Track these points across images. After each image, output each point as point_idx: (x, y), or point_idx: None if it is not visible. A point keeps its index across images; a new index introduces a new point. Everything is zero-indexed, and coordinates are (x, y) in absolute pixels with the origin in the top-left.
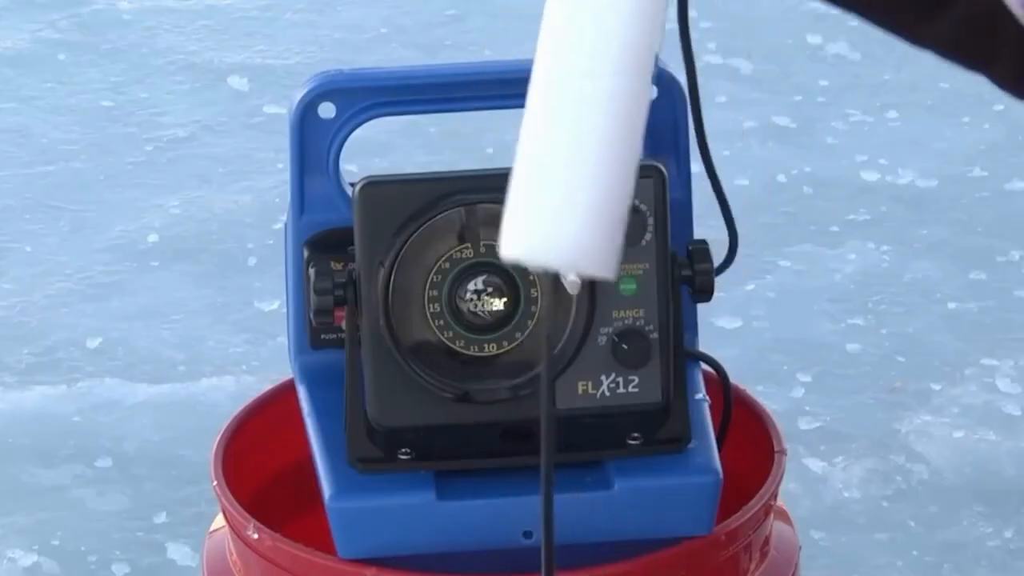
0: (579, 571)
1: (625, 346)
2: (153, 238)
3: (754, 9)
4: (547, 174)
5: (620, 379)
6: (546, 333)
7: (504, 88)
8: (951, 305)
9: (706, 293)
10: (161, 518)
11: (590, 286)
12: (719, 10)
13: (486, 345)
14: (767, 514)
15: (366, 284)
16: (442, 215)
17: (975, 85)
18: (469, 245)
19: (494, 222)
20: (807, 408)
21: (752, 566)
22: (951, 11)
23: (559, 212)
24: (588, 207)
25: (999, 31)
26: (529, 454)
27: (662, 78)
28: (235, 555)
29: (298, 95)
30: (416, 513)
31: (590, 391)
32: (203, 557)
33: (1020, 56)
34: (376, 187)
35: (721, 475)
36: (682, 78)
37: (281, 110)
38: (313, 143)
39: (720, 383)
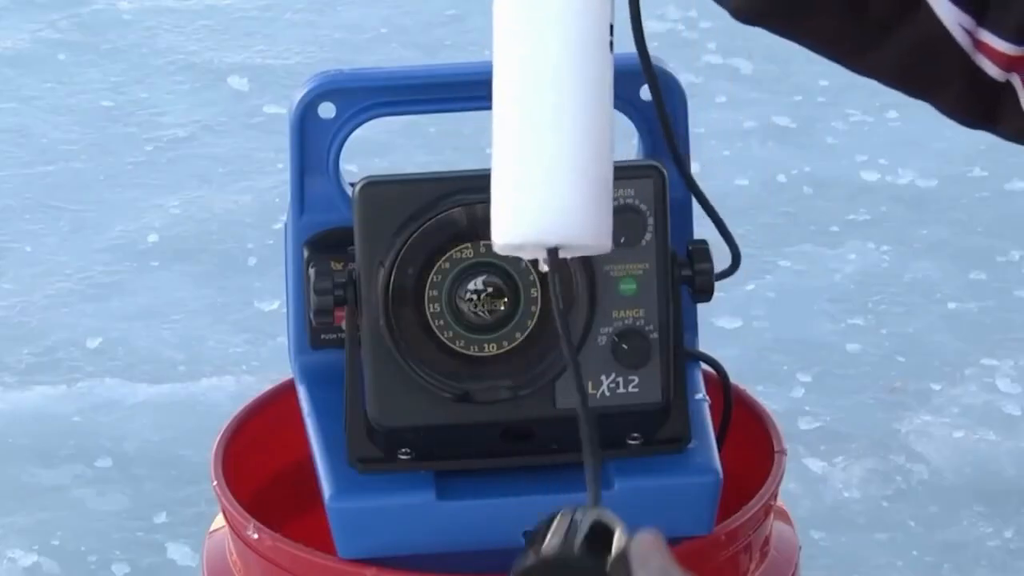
0: None
1: (625, 346)
2: (153, 238)
3: None
4: (523, 157)
5: (620, 379)
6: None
7: None
8: (951, 305)
9: (706, 293)
10: (161, 518)
11: (590, 286)
12: (719, 10)
13: (486, 345)
14: (767, 514)
15: (366, 284)
16: (442, 215)
17: None
18: (469, 245)
19: None
20: (807, 408)
21: (752, 566)
22: (895, 39)
23: (542, 190)
24: (569, 179)
25: (942, 59)
26: (529, 454)
27: (662, 78)
28: (235, 555)
29: (298, 95)
30: (416, 513)
31: (590, 391)
32: (203, 557)
33: (963, 84)
34: (376, 187)
35: (721, 475)
36: (681, 78)
37: (281, 110)
38: (313, 143)
39: (720, 383)
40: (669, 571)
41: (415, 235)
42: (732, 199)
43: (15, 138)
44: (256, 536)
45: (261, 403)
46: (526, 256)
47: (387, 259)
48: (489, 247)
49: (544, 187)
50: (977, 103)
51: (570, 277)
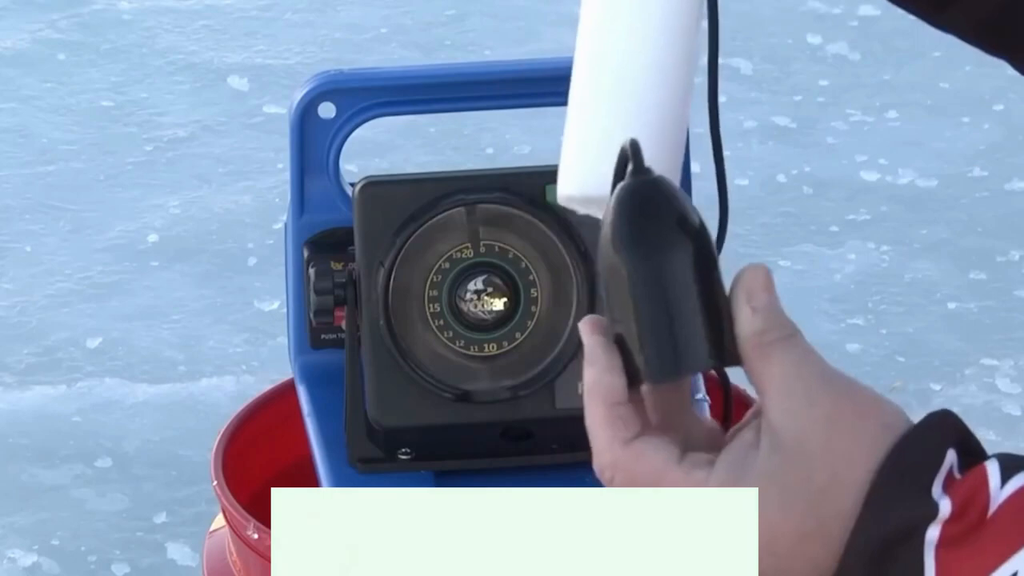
0: None
1: None
2: (153, 238)
3: (754, 9)
4: (596, 109)
5: None
6: None
7: (504, 88)
8: (951, 305)
9: None
10: (161, 518)
11: (589, 286)
12: (719, 10)
13: (486, 345)
14: None
15: (366, 284)
16: (442, 215)
17: (975, 85)
18: (469, 245)
19: (494, 222)
20: None
21: None
22: None
23: (608, 148)
24: (641, 135)
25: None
26: (529, 454)
27: None
28: (235, 555)
29: (298, 95)
30: None
31: None
32: (203, 557)
33: None
34: (376, 187)
35: None
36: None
37: (281, 110)
38: (313, 143)
39: (720, 383)
40: (773, 310)
41: (415, 235)
42: (732, 199)
43: (15, 138)
44: (256, 536)
45: (261, 403)
46: (589, 211)
47: (387, 259)
48: (489, 247)
49: (610, 145)
50: None
51: (570, 279)
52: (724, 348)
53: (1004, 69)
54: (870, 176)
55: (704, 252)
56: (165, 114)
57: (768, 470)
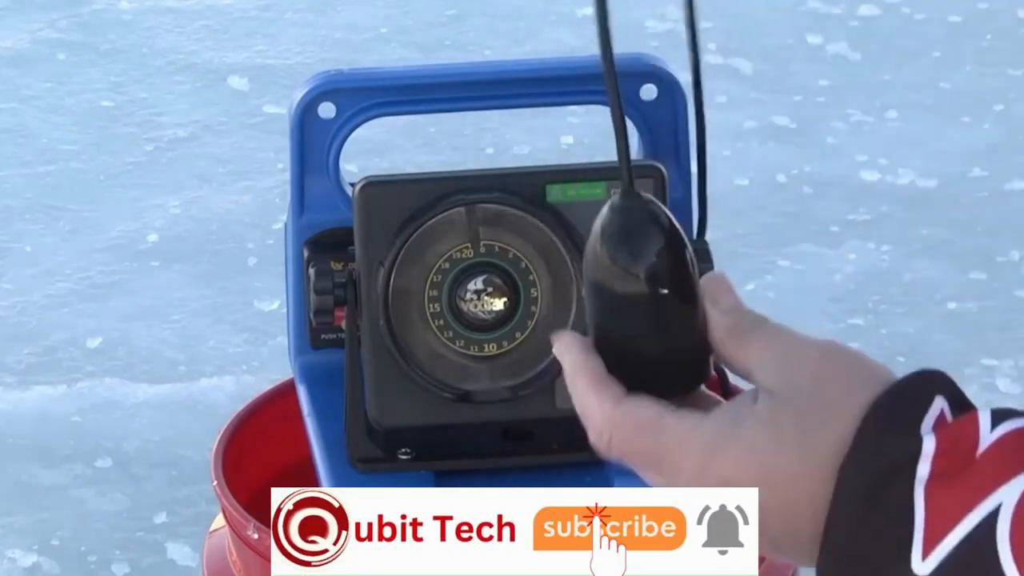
0: None
1: None
2: (153, 238)
3: (754, 9)
4: None
5: None
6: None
7: (504, 88)
8: (951, 305)
9: None
10: (161, 518)
11: None
12: (719, 10)
13: (486, 345)
14: None
15: (366, 284)
16: (442, 215)
17: (975, 85)
18: (469, 245)
19: (494, 222)
20: None
21: None
22: None
23: None
24: None
25: None
26: (529, 454)
27: (662, 78)
28: (235, 555)
29: (298, 95)
30: None
31: None
32: (203, 557)
33: None
34: (376, 187)
35: None
36: (681, 78)
37: (281, 110)
38: (313, 143)
39: (720, 383)
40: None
41: (415, 235)
42: (732, 199)
43: (15, 138)
44: (256, 536)
45: (261, 403)
46: None
47: (387, 259)
48: (489, 247)
49: None
50: None
51: (570, 279)
52: (699, 374)
53: (1004, 69)
54: (870, 176)
55: (685, 284)
56: (165, 114)
57: (762, 415)
